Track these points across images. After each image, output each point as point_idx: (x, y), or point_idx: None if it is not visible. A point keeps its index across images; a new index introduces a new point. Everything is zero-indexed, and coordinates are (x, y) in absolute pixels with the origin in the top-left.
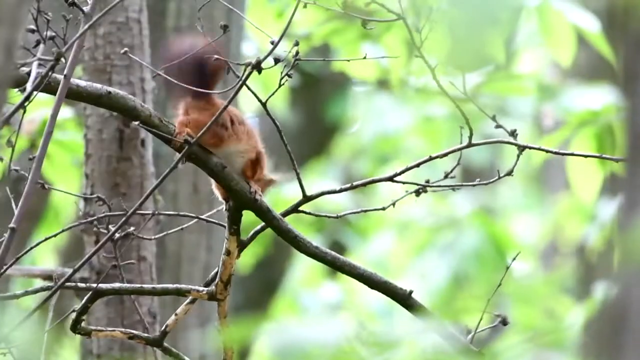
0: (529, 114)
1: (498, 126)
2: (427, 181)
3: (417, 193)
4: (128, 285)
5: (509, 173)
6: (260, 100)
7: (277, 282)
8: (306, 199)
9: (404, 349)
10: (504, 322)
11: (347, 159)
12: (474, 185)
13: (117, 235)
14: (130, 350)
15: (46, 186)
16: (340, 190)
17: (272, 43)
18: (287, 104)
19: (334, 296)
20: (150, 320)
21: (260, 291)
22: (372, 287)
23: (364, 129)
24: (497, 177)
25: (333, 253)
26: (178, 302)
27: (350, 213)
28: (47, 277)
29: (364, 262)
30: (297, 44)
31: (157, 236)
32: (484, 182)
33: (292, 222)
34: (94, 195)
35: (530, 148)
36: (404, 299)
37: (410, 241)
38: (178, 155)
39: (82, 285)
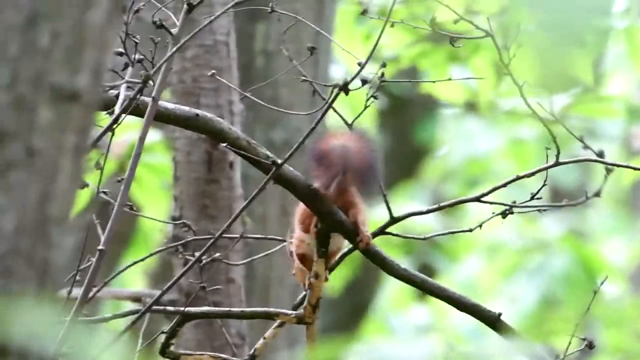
0: (618, 136)
1: (586, 147)
2: (514, 202)
3: (504, 215)
4: (217, 309)
5: (597, 194)
6: (346, 122)
7: (366, 305)
8: (393, 220)
9: None
10: (590, 346)
11: (435, 182)
12: (561, 207)
13: (204, 259)
14: None
15: (134, 208)
16: (428, 212)
17: (359, 65)
18: (376, 126)
19: (423, 318)
20: (239, 342)
21: (350, 313)
22: (461, 310)
23: (453, 151)
24: (584, 199)
25: (422, 275)
26: (267, 323)
27: (438, 235)
28: (136, 299)
29: (453, 284)
30: (384, 65)
31: (243, 262)
32: (572, 203)
33: (380, 244)
34: (180, 222)
35: (619, 166)
36: (493, 322)
37: (500, 264)
38: (266, 178)
39: (171, 308)
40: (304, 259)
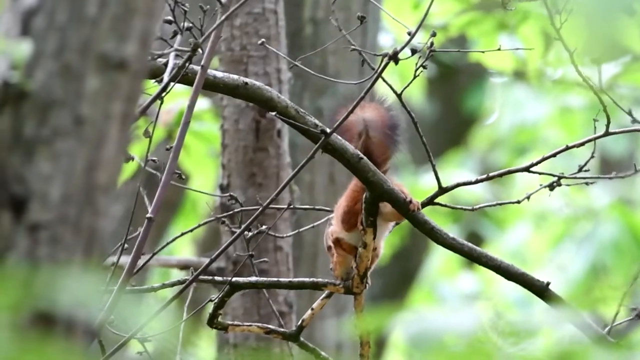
0: None
1: (634, 120)
2: (562, 173)
3: (552, 187)
4: (264, 279)
5: None
6: (395, 92)
7: (414, 273)
8: (442, 190)
9: (541, 339)
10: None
11: (484, 151)
12: (610, 179)
13: (251, 230)
14: (266, 341)
15: (183, 177)
16: (477, 182)
17: (408, 34)
18: (424, 95)
19: (470, 286)
20: (286, 310)
21: (398, 282)
22: (509, 279)
23: (501, 120)
24: (634, 171)
25: (470, 244)
26: (314, 292)
27: (486, 206)
28: (184, 267)
29: (500, 253)
30: (434, 34)
31: (290, 234)
32: (621, 175)
33: (428, 213)
34: (227, 194)
35: None
36: (541, 291)
37: (548, 232)
38: (314, 146)
39: (219, 278)
40: (340, 244)
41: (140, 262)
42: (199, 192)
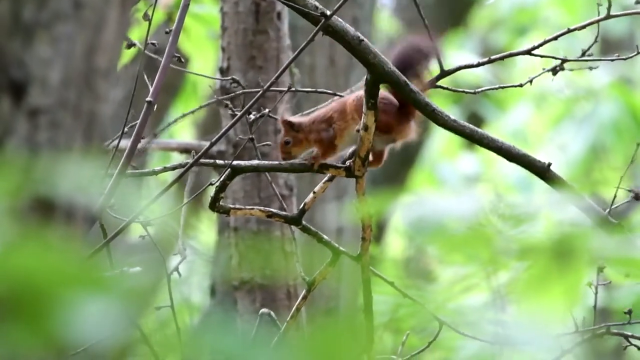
0: None
1: (638, 1)
2: (565, 57)
3: (555, 71)
4: (266, 162)
5: None
6: None
7: (414, 155)
8: (444, 73)
9: (541, 222)
10: (637, 197)
11: (484, 31)
12: (612, 60)
13: (252, 113)
14: (267, 224)
15: (182, 60)
16: (478, 65)
17: None
18: None
19: (471, 168)
20: (287, 192)
21: (398, 164)
22: (510, 160)
23: (502, 0)
24: (636, 52)
25: (471, 126)
26: (315, 176)
27: (488, 89)
28: (184, 150)
29: (501, 134)
30: None
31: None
32: (623, 57)
33: (429, 96)
34: (229, 78)
35: None
36: (543, 172)
37: (548, 113)
38: (315, 28)
39: (220, 162)
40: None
41: (141, 146)
42: (199, 74)
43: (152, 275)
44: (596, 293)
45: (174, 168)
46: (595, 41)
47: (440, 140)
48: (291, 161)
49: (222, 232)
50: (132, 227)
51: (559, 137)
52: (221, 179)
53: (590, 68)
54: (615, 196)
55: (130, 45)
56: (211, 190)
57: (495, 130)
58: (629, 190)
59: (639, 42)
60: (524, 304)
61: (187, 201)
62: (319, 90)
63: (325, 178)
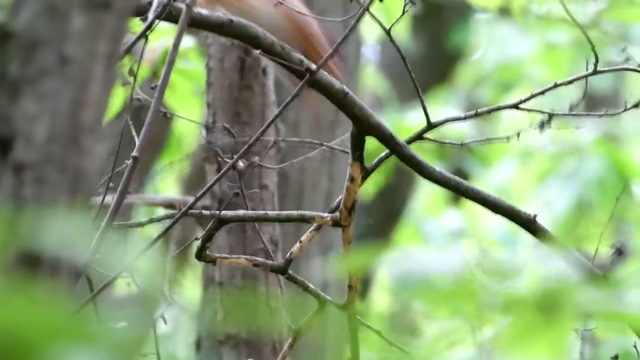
0: None
1: (627, 59)
2: (553, 110)
3: (542, 126)
4: (252, 212)
5: (637, 105)
6: (384, 29)
7: (399, 210)
8: (430, 126)
9: (526, 277)
10: (620, 252)
11: (469, 87)
12: (600, 116)
13: (240, 164)
14: (253, 278)
15: (169, 114)
16: (465, 118)
17: None
18: (410, 32)
19: (456, 223)
20: (272, 248)
21: (383, 219)
22: (496, 212)
23: (487, 56)
24: (623, 109)
25: (456, 178)
26: (299, 231)
27: (475, 142)
28: (170, 205)
29: (486, 189)
30: None
31: (280, 166)
32: (611, 113)
33: (414, 150)
34: (219, 124)
35: None
36: (528, 224)
37: (533, 169)
38: (299, 83)
39: (206, 212)
40: None
41: (126, 202)
42: (189, 120)
43: (138, 329)
44: (582, 353)
45: (160, 219)
46: (584, 96)
47: (425, 195)
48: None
49: (207, 287)
50: (118, 281)
51: (544, 194)
52: (207, 229)
53: (577, 127)
54: (596, 251)
55: (125, 83)
56: (195, 246)
57: (480, 185)
58: (613, 244)
59: (623, 98)
60: (509, 359)
61: (174, 254)
62: (305, 140)
63: (312, 227)
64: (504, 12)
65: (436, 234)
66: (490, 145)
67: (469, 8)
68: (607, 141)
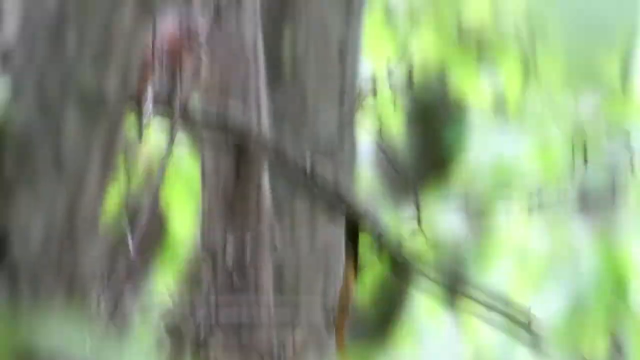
0: None
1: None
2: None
3: None
4: (245, 316)
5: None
6: (379, 134)
7: (396, 313)
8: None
9: None
10: (618, 350)
11: (464, 186)
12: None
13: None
14: None
15: (161, 220)
16: None
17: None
18: (403, 130)
19: (452, 328)
20: None
21: (379, 323)
22: (492, 310)
23: (481, 156)
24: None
25: (452, 278)
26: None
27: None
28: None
29: (482, 290)
30: (411, 70)
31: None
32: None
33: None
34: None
35: None
36: (524, 327)
37: (528, 272)
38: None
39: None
40: None
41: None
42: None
43: None
44: None
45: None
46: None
47: (421, 299)
48: None
49: None
50: None
51: (539, 297)
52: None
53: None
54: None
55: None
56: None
57: (475, 287)
58: (610, 343)
59: (619, 196)
60: None
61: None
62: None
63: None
64: (499, 110)
65: (432, 339)
66: (486, 245)
67: (463, 108)
68: (602, 240)
